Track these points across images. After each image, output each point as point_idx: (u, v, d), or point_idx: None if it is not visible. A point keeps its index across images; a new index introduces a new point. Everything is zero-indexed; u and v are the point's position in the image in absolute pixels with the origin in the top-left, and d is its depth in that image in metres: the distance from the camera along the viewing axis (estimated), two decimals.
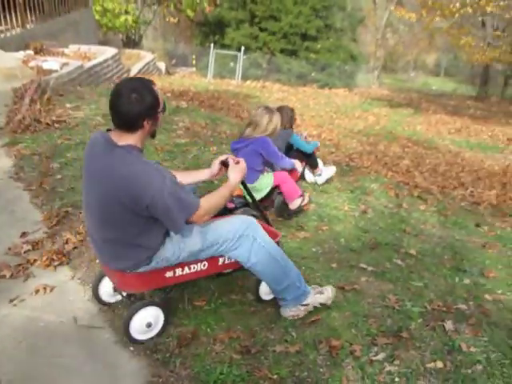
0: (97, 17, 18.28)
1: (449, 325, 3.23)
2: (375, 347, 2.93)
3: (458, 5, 13.34)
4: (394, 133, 11.83)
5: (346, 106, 15.96)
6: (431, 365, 2.82)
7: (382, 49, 32.76)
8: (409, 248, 4.50)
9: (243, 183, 3.17)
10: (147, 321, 2.78)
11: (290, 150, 5.63)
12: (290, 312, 3.12)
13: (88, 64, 11.26)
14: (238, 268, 3.10)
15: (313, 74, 22.37)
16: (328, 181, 6.13)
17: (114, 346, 2.78)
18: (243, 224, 2.89)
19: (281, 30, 22.27)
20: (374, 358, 2.82)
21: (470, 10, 13.20)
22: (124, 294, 3.02)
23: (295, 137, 5.68)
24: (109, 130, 2.61)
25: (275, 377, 2.59)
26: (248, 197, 3.37)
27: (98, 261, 3.18)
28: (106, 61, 12.29)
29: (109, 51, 13.21)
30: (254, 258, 2.88)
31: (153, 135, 2.69)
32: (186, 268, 2.88)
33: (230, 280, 3.48)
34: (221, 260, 2.99)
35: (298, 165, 5.01)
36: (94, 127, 6.81)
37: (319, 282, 3.62)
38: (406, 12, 16.65)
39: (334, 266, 3.93)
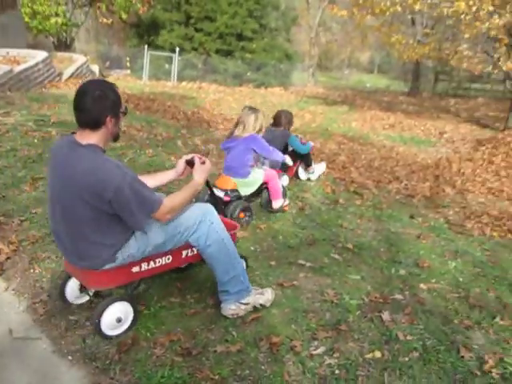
0: (26, 19, 17.70)
1: (386, 315, 3.31)
2: (315, 341, 2.98)
3: (388, 3, 13.64)
4: (329, 130, 12.02)
5: (283, 104, 16.04)
6: (370, 355, 2.89)
7: (317, 47, 33.23)
8: (346, 242, 4.58)
9: (207, 182, 3.22)
10: (117, 316, 2.85)
11: (285, 150, 5.98)
12: (229, 310, 3.13)
13: (18, 68, 10.89)
14: (199, 260, 3.20)
15: (248, 74, 22.44)
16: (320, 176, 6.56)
17: (51, 356, 2.71)
18: (202, 210, 3.01)
19: (216, 31, 22.22)
20: (314, 352, 2.86)
21: (399, 9, 13.48)
22: (91, 292, 3.13)
23: (293, 138, 6.21)
24: (73, 133, 2.68)
25: (217, 377, 2.59)
26: (208, 189, 3.48)
27: (64, 260, 3.13)
28: (36, 65, 11.92)
29: (39, 55, 12.82)
30: (209, 241, 2.98)
31: (115, 138, 2.78)
32: (152, 262, 2.96)
33: (168, 283, 3.46)
34: (184, 253, 3.10)
35: (288, 159, 5.36)
36: (25, 133, 6.63)
37: (258, 280, 3.65)
38: (338, 10, 16.90)
39: (273, 263, 3.96)
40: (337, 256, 4.27)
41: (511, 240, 5.41)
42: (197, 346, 2.82)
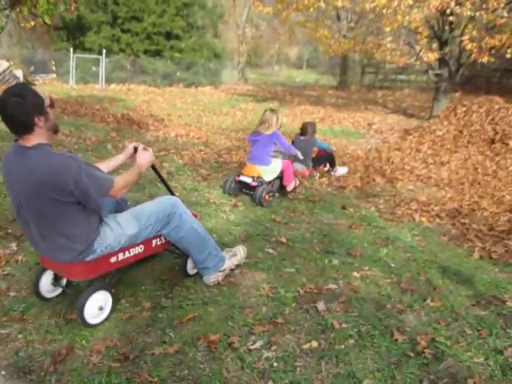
0: None
1: (321, 305, 3.37)
2: (252, 336, 2.99)
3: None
4: None
5: (214, 103, 16.06)
6: (307, 345, 2.93)
7: (245, 45, 33.36)
8: (279, 236, 4.63)
9: (153, 167, 3.48)
10: (99, 304, 3.04)
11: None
12: (211, 279, 3.55)
13: None
14: (167, 248, 3.54)
15: (178, 74, 22.26)
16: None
17: None
18: (169, 203, 3.33)
19: (144, 31, 21.88)
20: (252, 347, 2.88)
21: (323, 5, 13.67)
22: (63, 285, 3.32)
23: (319, 142, 7.91)
24: (16, 141, 2.75)
25: (156, 379, 2.57)
26: (160, 179, 3.75)
27: (40, 257, 3.16)
28: None
29: None
30: (182, 232, 3.34)
31: (55, 131, 2.86)
32: (127, 252, 3.17)
33: None
34: (154, 242, 3.35)
35: (299, 154, 6.40)
36: None
37: (194, 280, 3.63)
38: (263, 7, 16.98)
39: None
40: (271, 250, 4.30)
41: (439, 224, 5.60)
42: (134, 350, 2.79)
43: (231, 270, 3.70)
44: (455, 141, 10.12)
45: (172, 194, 3.80)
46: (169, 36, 22.47)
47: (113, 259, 3.10)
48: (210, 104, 15.73)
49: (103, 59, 20.16)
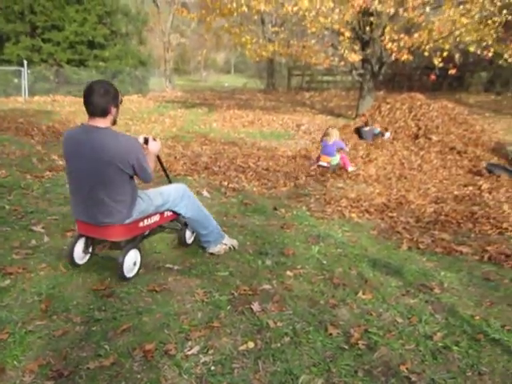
0: None
1: (256, 306, 3.39)
2: (189, 342, 2.98)
3: (234, 4, 13.88)
4: (191, 132, 12.03)
5: (142, 111, 15.89)
6: (243, 347, 2.95)
7: (171, 51, 33.14)
8: None
9: (158, 157, 4.20)
10: (133, 260, 3.77)
11: None
12: (215, 249, 4.31)
13: None
14: (175, 218, 4.28)
15: None
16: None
17: None
18: (183, 187, 4.21)
19: (66, 40, 21.32)
20: (188, 353, 2.87)
21: (246, 9, 13.76)
22: (90, 252, 3.99)
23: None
24: (83, 124, 3.55)
25: None
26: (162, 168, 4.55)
27: (78, 226, 3.82)
28: None
29: None
30: (191, 209, 4.15)
31: (114, 122, 3.59)
32: (150, 219, 3.95)
33: (32, 306, 3.30)
34: (165, 213, 4.14)
35: (347, 148, 9.30)
36: None
37: (127, 289, 3.58)
38: (187, 13, 16.95)
39: (141, 271, 3.91)
40: (203, 255, 4.30)
41: (368, 219, 5.76)
42: (68, 366, 2.72)
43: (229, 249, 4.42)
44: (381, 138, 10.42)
45: (170, 182, 4.54)
46: (92, 45, 22.03)
47: (141, 224, 3.85)
48: (138, 112, 15.55)
49: (25, 70, 19.55)
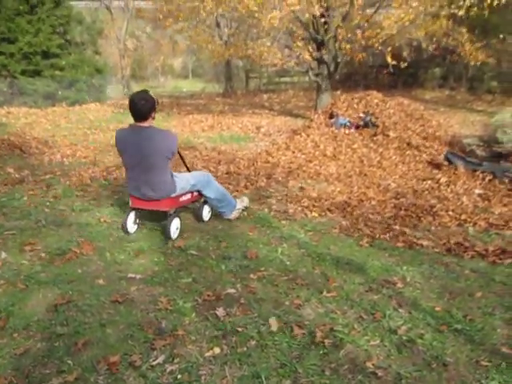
0: None
1: (220, 311, 3.38)
2: (154, 351, 2.95)
3: (187, 11, 13.83)
4: None
5: (100, 120, 15.66)
6: (209, 353, 2.93)
7: (127, 58, 32.82)
8: (174, 248, 4.59)
9: (179, 153, 5.34)
10: (176, 226, 4.88)
11: None
12: (232, 215, 5.43)
13: None
14: (199, 199, 5.37)
15: (60, 93, 21.48)
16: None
17: None
18: (207, 174, 5.38)
19: (20, 51, 20.87)
20: (154, 363, 2.84)
21: (204, 14, 13.70)
22: (138, 224, 5.09)
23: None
24: (131, 125, 4.64)
25: None
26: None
27: (132, 201, 4.95)
28: None
29: None
30: (213, 194, 5.23)
31: (153, 119, 4.65)
32: (185, 196, 5.10)
33: None
34: (194, 194, 5.24)
35: None
36: None
37: (88, 301, 3.52)
38: (143, 18, 16.83)
39: (101, 282, 3.84)
40: (167, 263, 4.26)
41: (330, 218, 5.79)
42: None
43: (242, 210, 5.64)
44: (340, 136, 10.51)
45: (189, 170, 5.70)
46: (47, 55, 21.62)
47: (180, 199, 5.01)
48: (97, 121, 15.33)
49: None
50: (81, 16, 24.48)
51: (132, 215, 4.93)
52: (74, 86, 22.07)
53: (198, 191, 5.21)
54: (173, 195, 4.77)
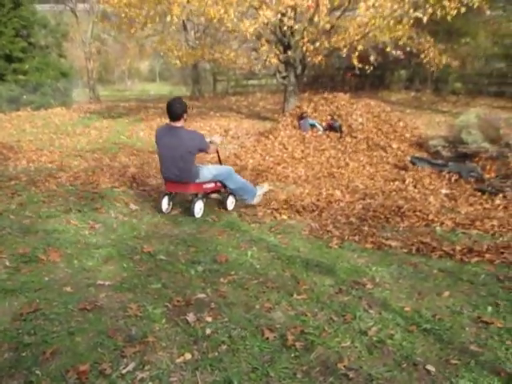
0: None
1: (191, 316, 3.35)
2: (124, 359, 2.90)
3: (144, 17, 13.72)
4: (117, 143, 11.81)
5: (66, 124, 15.46)
6: (180, 359, 2.90)
7: (93, 62, 32.45)
8: (143, 253, 4.55)
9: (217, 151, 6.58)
10: (200, 207, 5.82)
11: None
12: (253, 201, 6.28)
13: None
14: (220, 189, 6.25)
15: (25, 97, 21.14)
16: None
17: None
18: (230, 169, 6.22)
19: None
20: (124, 371, 2.79)
21: (170, 19, 13.59)
22: (170, 206, 6.06)
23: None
24: (167, 124, 5.72)
25: None
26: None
27: (166, 186, 5.99)
28: None
29: None
30: (234, 185, 6.07)
31: (185, 121, 5.67)
32: (209, 184, 6.00)
33: None
34: (218, 184, 6.11)
35: None
36: None
37: (57, 310, 3.45)
38: (108, 24, 16.65)
39: (69, 289, 3.78)
40: (136, 268, 4.21)
41: (299, 220, 5.82)
42: None
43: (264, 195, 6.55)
44: (308, 138, 10.58)
45: (221, 164, 6.66)
46: (10, 58, 21.24)
47: (204, 185, 5.92)
48: (63, 125, 15.12)
49: None
50: (45, 19, 24.09)
51: (166, 199, 5.89)
52: (38, 89, 21.73)
53: (221, 182, 6.06)
54: (197, 181, 5.77)
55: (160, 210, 5.89)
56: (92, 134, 13.32)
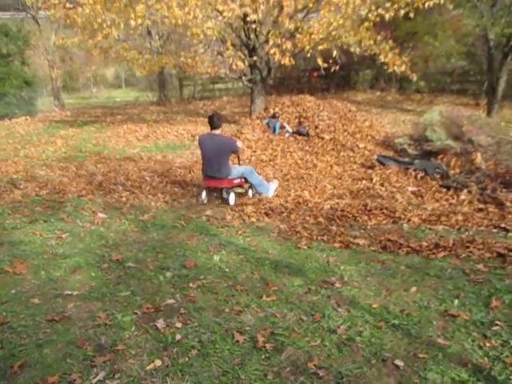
0: None
1: (160, 323, 3.34)
2: (94, 369, 2.88)
3: (105, 27, 13.53)
4: (84, 151, 11.67)
5: (31, 133, 15.20)
6: (150, 366, 2.89)
7: (58, 69, 32.03)
8: (111, 261, 4.52)
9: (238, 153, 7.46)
10: (233, 197, 6.87)
11: None
12: (269, 194, 7.16)
13: None
14: (243, 184, 7.25)
15: None
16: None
17: None
18: (251, 168, 7.25)
19: None
20: (94, 381, 2.77)
21: (133, 23, 13.43)
22: (206, 198, 7.00)
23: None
24: (208, 132, 6.98)
25: None
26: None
27: (205, 182, 7.06)
28: None
29: None
30: (255, 180, 7.12)
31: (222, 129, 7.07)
32: (237, 180, 7.06)
33: None
34: (242, 180, 7.11)
35: None
36: None
37: (24, 323, 3.40)
38: (66, 39, 16.34)
39: (36, 301, 3.73)
40: (104, 277, 4.18)
41: (268, 222, 5.85)
42: None
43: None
44: (276, 140, 10.63)
45: (239, 164, 7.61)
46: None
47: (233, 181, 6.99)
48: (27, 135, 14.87)
49: None
50: (6, 27, 23.70)
51: (205, 192, 7.03)
52: (2, 99, 21.36)
53: (245, 178, 7.12)
54: (229, 177, 6.91)
55: (198, 201, 6.98)
56: (58, 143, 13.13)
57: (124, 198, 6.92)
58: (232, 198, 6.89)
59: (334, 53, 12.47)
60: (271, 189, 7.30)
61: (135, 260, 4.56)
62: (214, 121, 6.89)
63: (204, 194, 7.03)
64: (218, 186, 7.00)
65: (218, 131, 6.86)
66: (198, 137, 7.40)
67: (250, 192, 7.29)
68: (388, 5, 11.76)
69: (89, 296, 3.82)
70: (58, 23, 27.14)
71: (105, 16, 12.98)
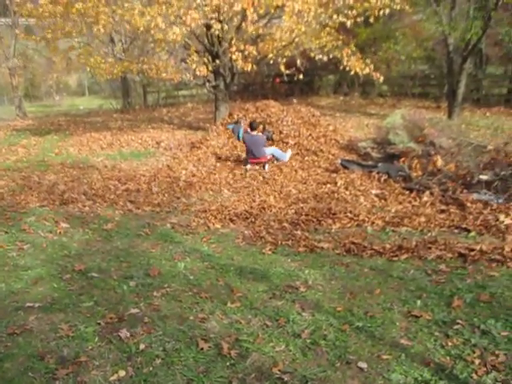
0: None
1: (124, 333, 3.32)
2: (57, 382, 2.86)
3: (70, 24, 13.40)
4: (46, 160, 11.47)
5: None
6: (114, 377, 2.88)
7: (19, 77, 31.50)
8: (74, 272, 4.46)
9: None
10: (268, 167, 9.51)
11: None
12: (286, 159, 9.81)
13: None
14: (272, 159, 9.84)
15: None
16: None
17: None
18: (274, 147, 10.16)
19: None
20: None
21: (95, 29, 13.30)
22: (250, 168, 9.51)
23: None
24: (248, 132, 9.87)
25: None
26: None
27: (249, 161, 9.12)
28: None
29: None
30: (277, 154, 9.84)
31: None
32: (269, 156, 9.71)
33: None
34: (270, 156, 9.70)
35: None
36: None
37: None
38: (28, 36, 16.17)
39: None
40: (67, 288, 4.12)
41: (233, 229, 5.85)
42: None
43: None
44: (241, 146, 10.63)
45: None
46: None
47: (267, 157, 9.54)
48: None
49: None
50: None
51: (249, 165, 9.40)
52: None
53: (272, 155, 9.64)
54: (265, 155, 9.42)
55: (245, 169, 9.26)
56: (19, 152, 12.89)
57: (87, 208, 6.82)
58: (268, 168, 9.35)
59: (298, 62, 12.56)
60: (287, 156, 9.90)
61: (98, 270, 4.51)
62: (253, 125, 9.76)
63: (249, 166, 9.50)
64: (257, 162, 9.51)
65: (255, 132, 9.68)
66: (243, 135, 10.19)
67: (267, 166, 9.49)
68: (347, 11, 11.91)
69: (51, 308, 3.77)
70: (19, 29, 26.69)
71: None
